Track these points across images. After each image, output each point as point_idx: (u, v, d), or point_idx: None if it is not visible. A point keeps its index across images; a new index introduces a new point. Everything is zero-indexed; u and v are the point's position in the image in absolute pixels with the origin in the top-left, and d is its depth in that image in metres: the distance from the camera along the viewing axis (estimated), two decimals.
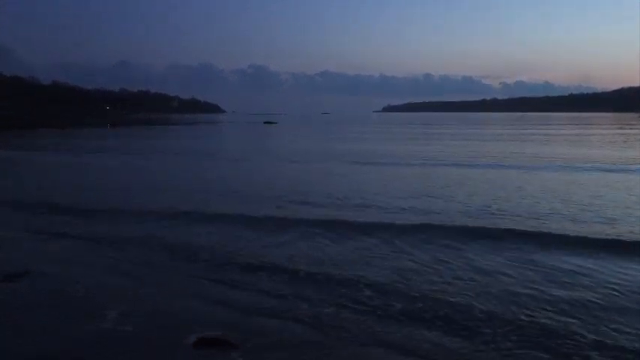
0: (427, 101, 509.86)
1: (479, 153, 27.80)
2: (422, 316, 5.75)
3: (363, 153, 28.05)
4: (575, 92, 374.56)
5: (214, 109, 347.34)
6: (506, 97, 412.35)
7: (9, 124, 62.54)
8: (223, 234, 9.74)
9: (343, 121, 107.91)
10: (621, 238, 8.94)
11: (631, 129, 58.08)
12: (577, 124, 78.62)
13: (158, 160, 26.02)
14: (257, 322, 5.62)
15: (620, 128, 60.45)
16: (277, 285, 6.86)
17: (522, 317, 5.68)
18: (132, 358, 4.84)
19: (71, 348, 5.02)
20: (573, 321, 5.56)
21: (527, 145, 33.94)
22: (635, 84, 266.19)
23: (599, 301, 6.17)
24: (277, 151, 31.50)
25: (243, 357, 4.86)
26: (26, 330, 5.44)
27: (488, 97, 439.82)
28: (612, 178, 17.19)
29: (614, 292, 6.47)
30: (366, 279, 6.99)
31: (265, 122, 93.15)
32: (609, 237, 9.02)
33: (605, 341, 5.09)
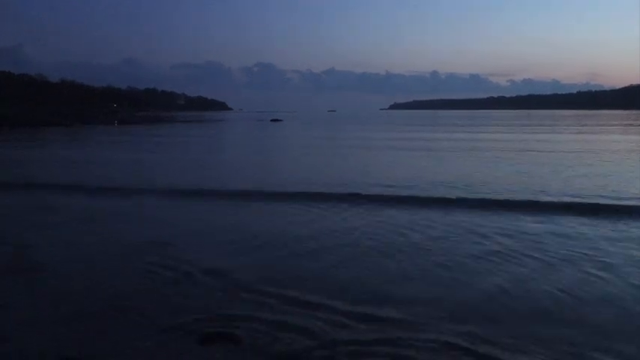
0: (434, 99, 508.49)
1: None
2: None
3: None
4: (582, 90, 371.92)
5: (221, 106, 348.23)
6: (513, 95, 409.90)
7: (17, 122, 62.90)
8: None
9: (347, 120, 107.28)
10: None
11: None
12: (595, 125, 65.25)
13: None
14: (258, 315, 5.61)
15: None
16: None
17: None
18: (137, 356, 4.83)
19: (75, 342, 5.04)
20: None
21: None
22: None
23: None
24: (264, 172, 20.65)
25: (247, 351, 4.86)
26: (35, 322, 5.46)
27: (495, 95, 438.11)
28: None
29: None
30: None
31: (272, 120, 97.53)
32: None
33: None
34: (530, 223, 10.03)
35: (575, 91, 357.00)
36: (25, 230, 9.69)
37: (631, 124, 65.56)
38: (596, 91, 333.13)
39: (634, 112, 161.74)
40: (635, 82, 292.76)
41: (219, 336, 5.08)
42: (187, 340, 4.99)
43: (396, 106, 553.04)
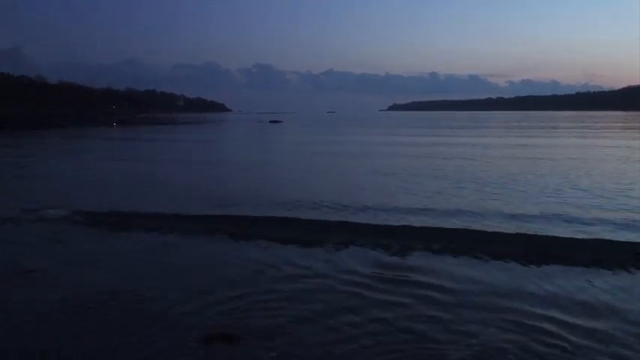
0: (433, 100, 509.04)
1: None
2: None
3: None
4: (581, 91, 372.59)
5: (220, 108, 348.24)
6: (512, 96, 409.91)
7: (17, 123, 62.90)
8: None
9: (347, 122, 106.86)
10: None
11: None
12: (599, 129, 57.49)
13: None
14: (259, 313, 5.73)
15: None
16: None
17: None
18: (140, 356, 4.97)
19: (77, 341, 5.15)
20: None
21: None
22: None
23: None
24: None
25: (247, 349, 4.96)
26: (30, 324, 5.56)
27: (494, 96, 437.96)
28: None
29: None
30: None
31: (271, 121, 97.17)
32: None
33: None
34: None
35: (574, 92, 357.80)
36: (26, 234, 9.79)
37: (629, 127, 65.07)
38: (595, 92, 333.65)
39: (632, 113, 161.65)
40: (633, 83, 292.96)
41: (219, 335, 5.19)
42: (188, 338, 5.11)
43: (395, 107, 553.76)
